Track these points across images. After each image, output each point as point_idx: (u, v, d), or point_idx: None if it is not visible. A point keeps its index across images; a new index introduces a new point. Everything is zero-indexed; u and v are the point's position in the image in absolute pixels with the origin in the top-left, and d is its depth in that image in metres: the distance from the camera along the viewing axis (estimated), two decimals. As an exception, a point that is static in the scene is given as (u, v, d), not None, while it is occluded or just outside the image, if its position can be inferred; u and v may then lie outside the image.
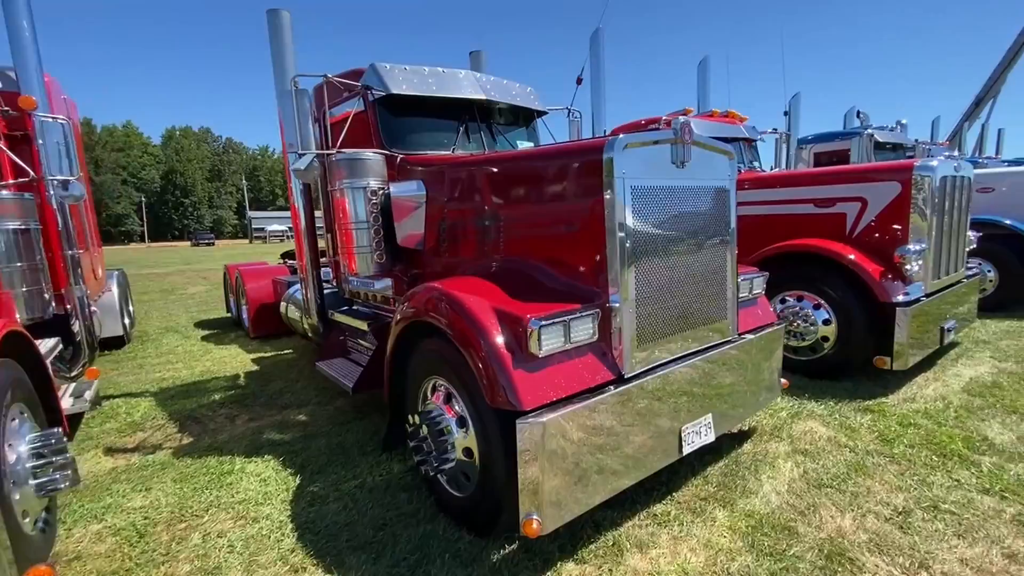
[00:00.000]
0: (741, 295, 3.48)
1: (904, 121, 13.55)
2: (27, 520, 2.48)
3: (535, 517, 2.25)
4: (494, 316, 2.48)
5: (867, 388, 4.58)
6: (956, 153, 13.88)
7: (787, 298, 5.05)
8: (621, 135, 2.60)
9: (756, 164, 7.11)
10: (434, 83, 4.12)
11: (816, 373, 4.91)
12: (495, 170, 3.31)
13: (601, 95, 6.64)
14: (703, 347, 3.09)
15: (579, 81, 5.06)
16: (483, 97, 4.26)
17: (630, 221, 2.59)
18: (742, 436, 3.79)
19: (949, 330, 4.95)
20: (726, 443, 3.65)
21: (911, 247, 4.40)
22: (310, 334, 5.37)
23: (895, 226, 4.71)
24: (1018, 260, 7.02)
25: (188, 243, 71.01)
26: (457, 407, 2.72)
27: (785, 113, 7.71)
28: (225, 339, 8.06)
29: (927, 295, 4.65)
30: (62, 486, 2.60)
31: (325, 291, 4.91)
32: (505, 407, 2.29)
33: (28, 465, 2.53)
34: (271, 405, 4.88)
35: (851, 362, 4.69)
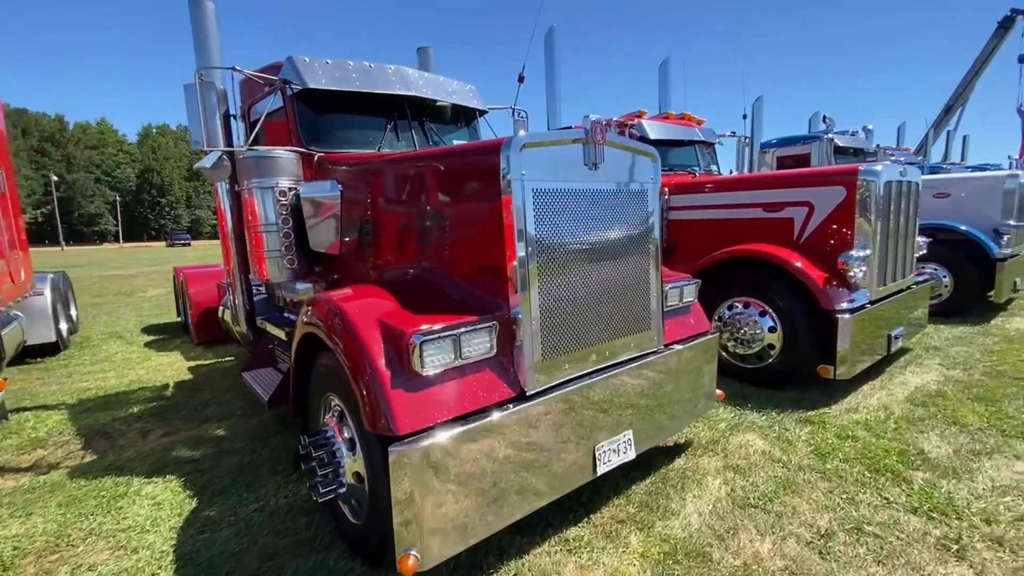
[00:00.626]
0: (670, 304, 3.31)
1: (870, 126, 13.66)
2: None
3: (412, 552, 2.04)
4: (378, 331, 2.27)
5: (812, 398, 4.46)
6: (920, 159, 14.05)
7: (735, 304, 4.93)
8: (522, 133, 2.40)
9: (714, 168, 7.01)
10: (358, 78, 3.90)
11: (762, 382, 4.78)
12: (398, 170, 3.11)
13: (556, 95, 6.49)
14: (623, 360, 2.91)
15: (521, 79, 4.88)
16: (411, 94, 4.05)
17: (533, 226, 2.40)
18: (675, 450, 3.63)
19: (897, 337, 4.87)
20: (657, 457, 3.49)
21: (854, 253, 4.29)
22: (243, 342, 5.10)
23: (841, 231, 4.60)
24: (973, 266, 7.01)
25: (163, 243, 69.41)
26: (347, 429, 2.51)
27: (744, 116, 7.64)
28: (169, 345, 7.71)
29: (872, 302, 4.55)
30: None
31: (256, 297, 4.65)
32: (384, 432, 2.08)
33: None
34: (191, 418, 4.59)
35: (797, 371, 4.57)
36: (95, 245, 72.15)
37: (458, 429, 2.11)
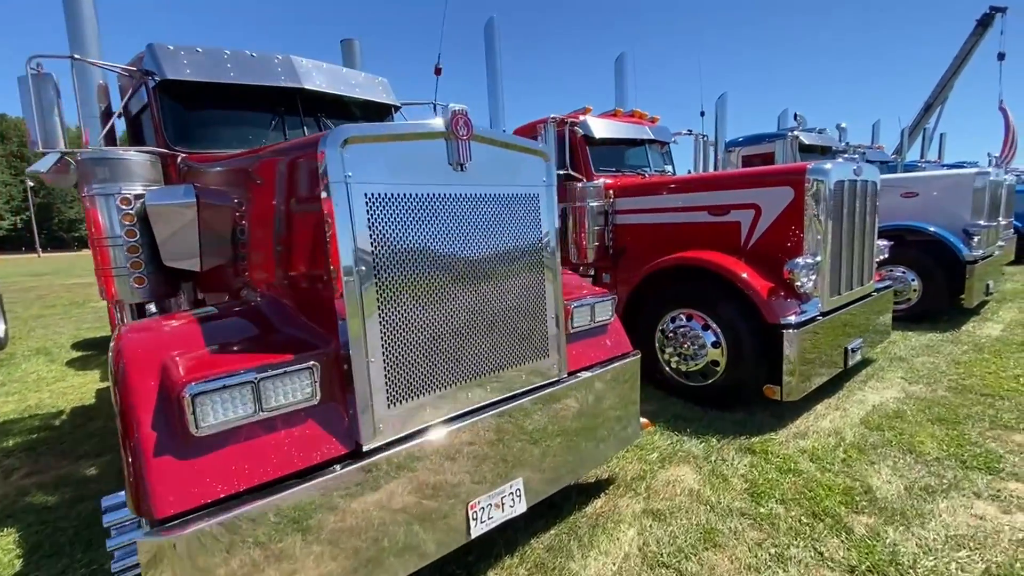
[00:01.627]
0: (577, 324, 2.87)
1: (844, 124, 13.35)
2: None
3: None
4: (156, 380, 1.79)
5: (759, 420, 4.04)
6: (894, 157, 13.77)
7: (679, 316, 4.50)
8: (349, 125, 1.94)
9: (669, 168, 6.59)
10: (233, 68, 3.42)
11: (707, 401, 4.35)
12: (236, 171, 2.64)
13: (497, 91, 6.04)
14: (510, 395, 2.46)
15: (437, 71, 4.44)
16: (296, 86, 3.58)
17: (368, 240, 1.94)
18: (595, 488, 3.19)
19: (855, 350, 4.46)
20: (572, 498, 3.05)
21: (801, 261, 3.87)
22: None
23: (790, 236, 4.19)
24: (942, 268, 6.65)
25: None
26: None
27: (702, 113, 7.23)
28: (93, 363, 7.16)
29: (825, 313, 4.14)
30: None
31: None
32: (146, 515, 1.61)
33: None
34: (67, 453, 4.08)
35: (743, 390, 4.14)
36: (75, 251, 70.58)
37: (247, 507, 1.64)
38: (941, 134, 20.82)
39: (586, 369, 2.85)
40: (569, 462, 2.70)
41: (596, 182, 5.48)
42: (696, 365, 4.35)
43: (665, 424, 4.03)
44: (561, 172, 5.33)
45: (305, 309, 2.13)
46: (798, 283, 3.87)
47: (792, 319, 3.86)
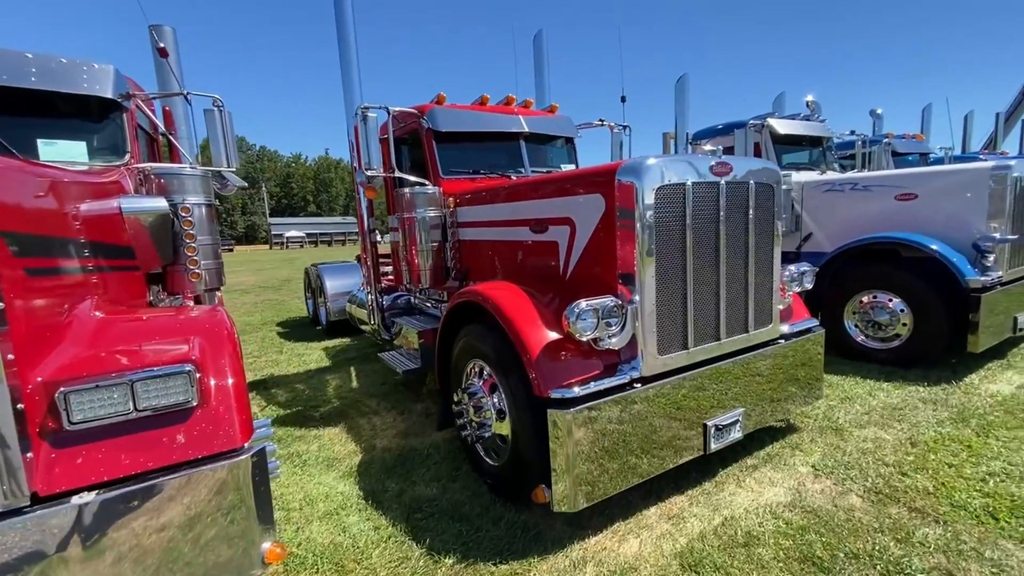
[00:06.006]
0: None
1: (879, 111, 11.21)
2: None
3: None
4: None
5: (531, 528, 2.80)
6: (943, 150, 11.33)
7: (476, 369, 3.33)
8: None
9: (572, 168, 5.31)
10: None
11: (496, 490, 3.17)
12: None
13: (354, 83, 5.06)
14: None
15: (164, 52, 3.56)
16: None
17: None
18: None
19: (723, 428, 3.08)
20: None
21: (584, 304, 2.57)
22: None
23: (605, 263, 2.91)
24: (939, 298, 4.90)
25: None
26: None
27: (623, 99, 5.84)
28: None
29: (648, 379, 2.80)
30: None
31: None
32: None
33: None
34: None
35: (526, 481, 2.91)
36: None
37: None
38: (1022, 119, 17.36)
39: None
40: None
41: (428, 188, 4.36)
42: (486, 438, 3.18)
43: (417, 534, 2.90)
44: (372, 174, 4.27)
45: None
46: (580, 336, 2.59)
47: (576, 391, 2.59)
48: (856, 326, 5.50)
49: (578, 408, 2.52)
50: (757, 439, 3.68)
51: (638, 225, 2.70)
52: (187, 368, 2.03)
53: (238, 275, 21.81)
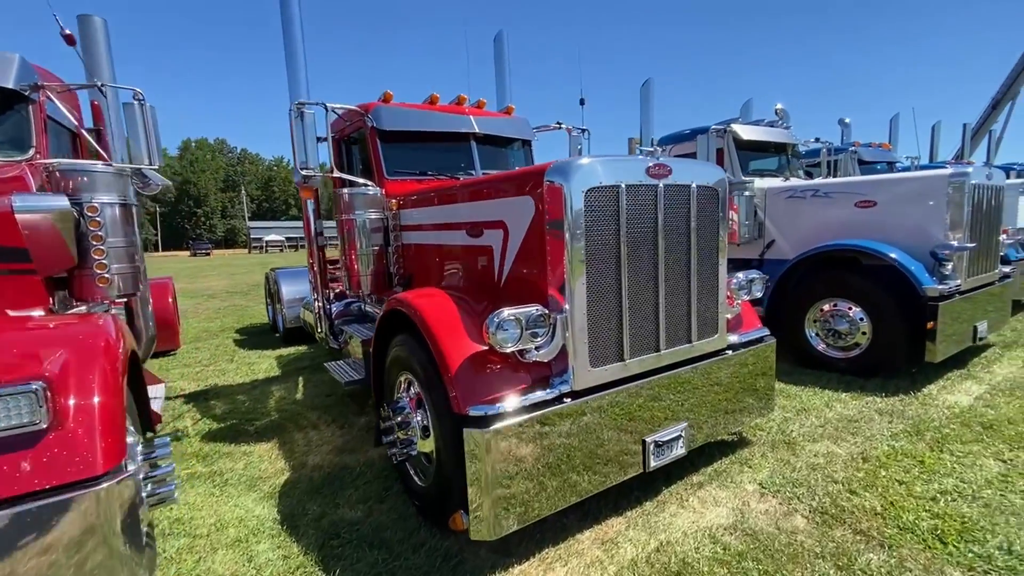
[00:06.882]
0: None
1: (847, 120, 11.28)
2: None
3: None
4: None
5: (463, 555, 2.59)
6: (909, 159, 11.46)
7: (410, 381, 3.11)
8: None
9: (527, 169, 5.13)
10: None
11: (424, 513, 2.94)
12: None
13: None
14: None
15: (70, 40, 3.31)
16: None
17: None
18: None
19: (664, 445, 2.90)
20: None
21: (507, 312, 2.39)
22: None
23: (535, 270, 2.73)
24: (897, 306, 4.82)
25: (188, 253, 71.35)
26: None
27: (582, 102, 5.71)
28: None
29: (580, 392, 2.61)
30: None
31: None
32: None
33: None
34: None
35: (448, 505, 2.70)
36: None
37: None
38: (990, 131, 17.73)
39: None
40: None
41: (368, 189, 4.15)
42: (410, 457, 2.95)
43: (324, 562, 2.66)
44: (307, 174, 4.05)
45: None
46: (502, 348, 2.40)
47: (497, 407, 2.39)
48: (817, 335, 5.40)
49: (496, 427, 2.31)
50: (707, 453, 3.51)
51: (567, 229, 2.52)
52: (34, 387, 1.79)
53: (208, 279, 21.28)
